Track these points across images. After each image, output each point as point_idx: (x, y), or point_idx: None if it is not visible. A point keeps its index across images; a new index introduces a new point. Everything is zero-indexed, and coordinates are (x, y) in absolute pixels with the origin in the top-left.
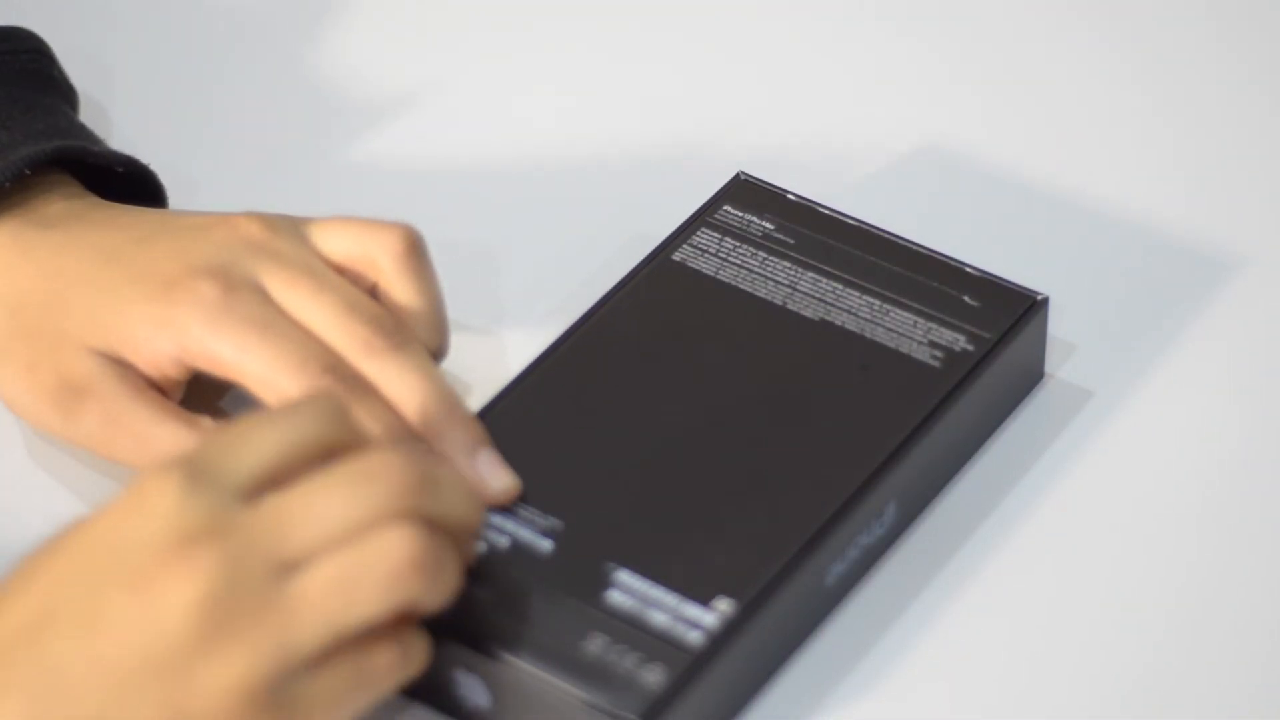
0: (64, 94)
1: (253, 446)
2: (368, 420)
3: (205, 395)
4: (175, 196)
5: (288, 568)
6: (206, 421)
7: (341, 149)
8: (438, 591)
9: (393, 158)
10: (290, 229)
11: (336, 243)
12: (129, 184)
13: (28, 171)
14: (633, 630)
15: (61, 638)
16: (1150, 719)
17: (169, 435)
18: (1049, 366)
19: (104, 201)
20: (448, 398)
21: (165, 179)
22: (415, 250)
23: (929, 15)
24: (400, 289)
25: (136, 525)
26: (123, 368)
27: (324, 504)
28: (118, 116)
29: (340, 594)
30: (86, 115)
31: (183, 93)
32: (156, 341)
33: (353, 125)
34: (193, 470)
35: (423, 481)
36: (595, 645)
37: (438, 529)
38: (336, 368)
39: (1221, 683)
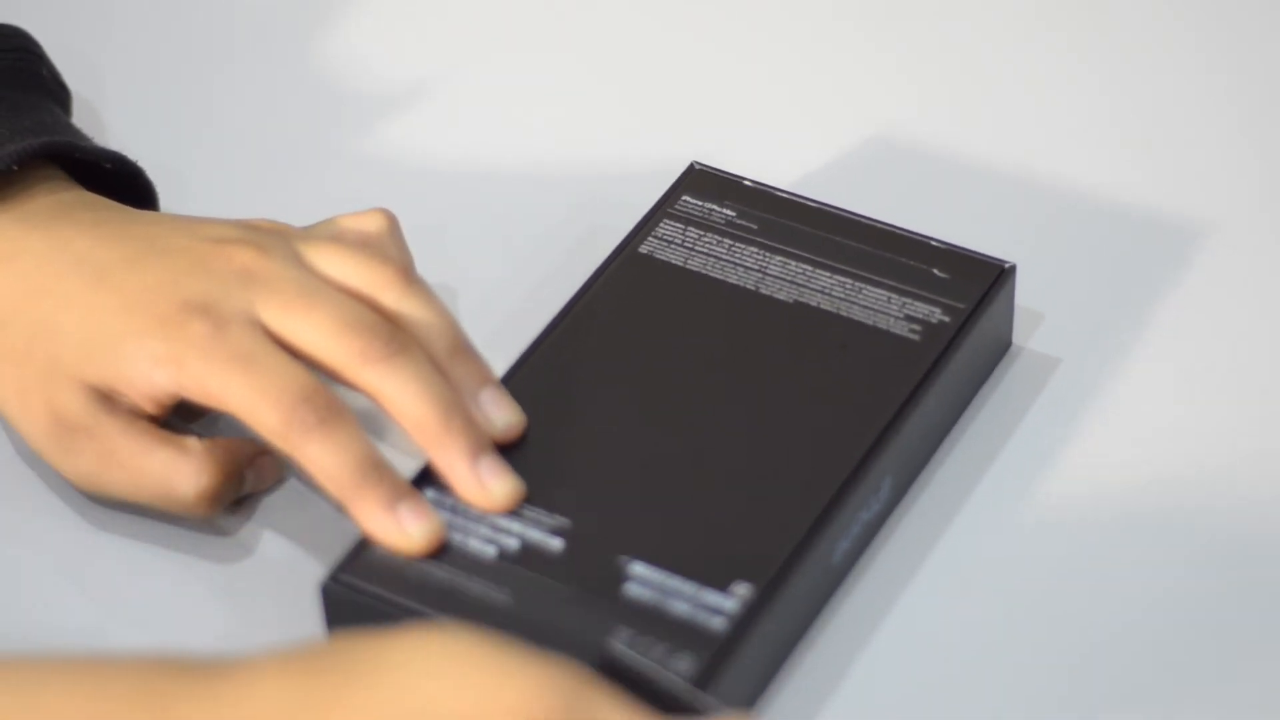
0: (52, 92)
1: None
2: (331, 454)
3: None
4: (168, 196)
5: None
6: (192, 442)
7: (330, 148)
8: None
9: (377, 158)
10: (283, 250)
11: (334, 270)
12: (119, 182)
13: (14, 168)
14: (655, 621)
15: None
16: (1128, 674)
17: (160, 464)
18: (1017, 336)
19: (92, 197)
20: (447, 404)
21: (158, 179)
22: (412, 283)
23: (885, 6)
24: (407, 311)
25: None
26: (113, 402)
27: None
28: (111, 116)
29: None
30: (80, 115)
31: (176, 92)
32: (153, 377)
33: (341, 125)
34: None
35: None
36: (621, 639)
37: None
38: (310, 398)
39: (1197, 647)
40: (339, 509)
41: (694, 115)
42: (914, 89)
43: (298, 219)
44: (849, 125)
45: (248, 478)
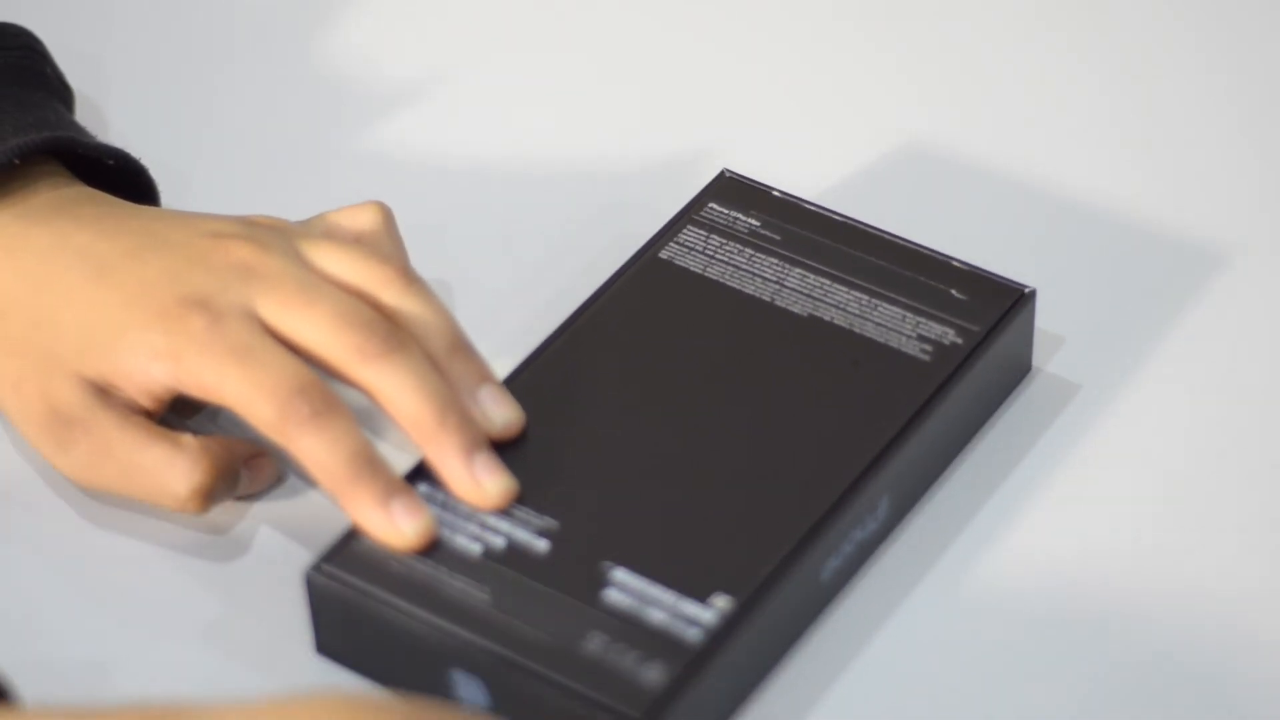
0: (55, 91)
1: None
2: (326, 447)
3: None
4: (169, 195)
5: None
6: (187, 439)
7: (332, 147)
8: None
9: (379, 157)
10: (282, 245)
11: (333, 267)
12: (121, 179)
13: (16, 161)
14: (631, 628)
15: None
16: (1137, 708)
17: (154, 460)
18: (1037, 360)
19: (95, 192)
20: (443, 401)
21: (159, 177)
22: (412, 282)
23: (910, 13)
24: (407, 309)
25: None
26: (110, 396)
27: None
28: (113, 115)
29: None
30: (82, 114)
31: (177, 92)
32: (150, 370)
33: (343, 124)
34: None
35: None
36: (595, 644)
37: None
38: (306, 391)
39: (1215, 674)
40: (334, 503)
41: (693, 115)
42: (946, 106)
43: (297, 218)
44: (852, 127)
45: (243, 479)
